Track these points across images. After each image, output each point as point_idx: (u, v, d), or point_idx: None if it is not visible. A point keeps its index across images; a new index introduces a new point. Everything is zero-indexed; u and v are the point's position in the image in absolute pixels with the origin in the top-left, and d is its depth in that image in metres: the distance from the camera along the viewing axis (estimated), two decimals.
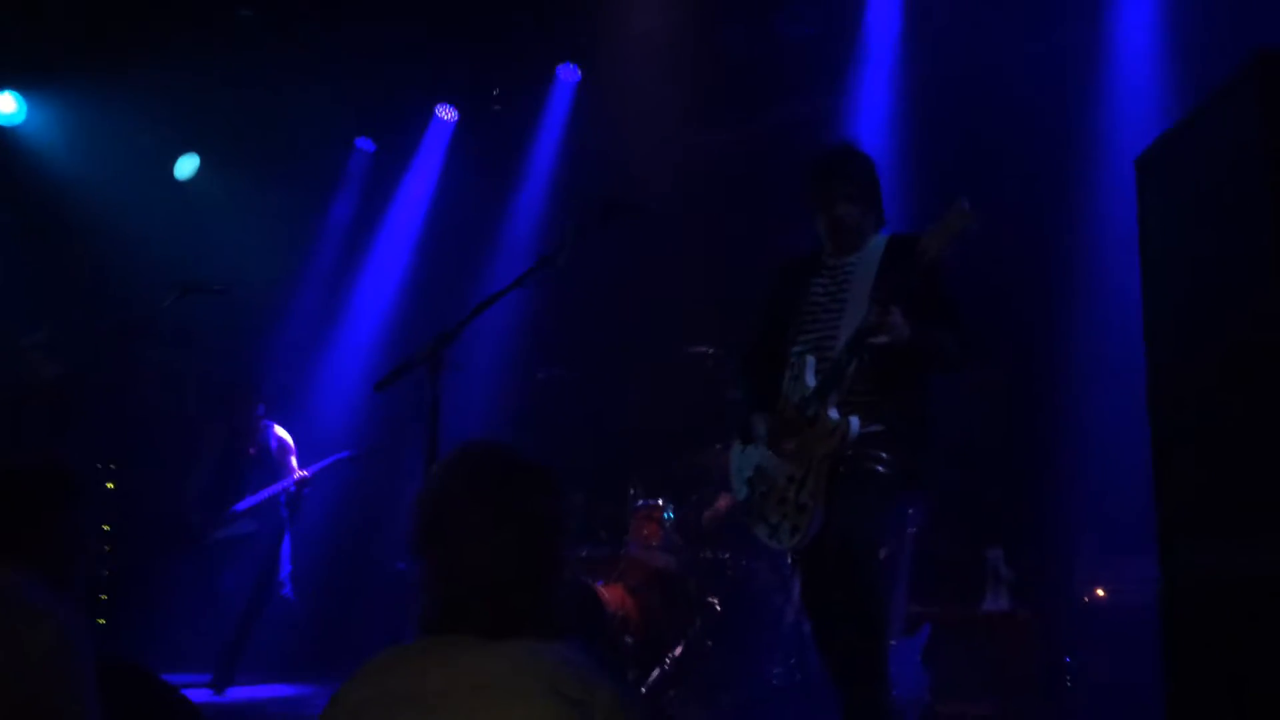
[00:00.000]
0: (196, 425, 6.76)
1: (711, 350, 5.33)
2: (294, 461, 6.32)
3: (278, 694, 5.71)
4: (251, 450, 6.31)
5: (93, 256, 6.90)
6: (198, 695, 5.19)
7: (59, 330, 5.76)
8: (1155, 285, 2.20)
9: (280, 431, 6.39)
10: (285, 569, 6.26)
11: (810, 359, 3.39)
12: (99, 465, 6.54)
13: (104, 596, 5.60)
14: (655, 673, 4.83)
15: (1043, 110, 5.46)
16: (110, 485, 6.45)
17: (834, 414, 3.26)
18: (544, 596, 1.66)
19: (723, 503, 5.36)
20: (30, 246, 6.84)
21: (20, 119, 6.78)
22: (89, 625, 2.49)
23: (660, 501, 5.41)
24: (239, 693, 5.71)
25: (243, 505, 6.21)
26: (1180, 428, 2.09)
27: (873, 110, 6.02)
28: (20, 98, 6.74)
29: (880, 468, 3.26)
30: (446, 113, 7.25)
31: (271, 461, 6.31)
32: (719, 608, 5.13)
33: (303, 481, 6.22)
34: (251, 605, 6.00)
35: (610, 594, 5.02)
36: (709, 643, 4.98)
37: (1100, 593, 4.87)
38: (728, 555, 5.27)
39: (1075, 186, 5.34)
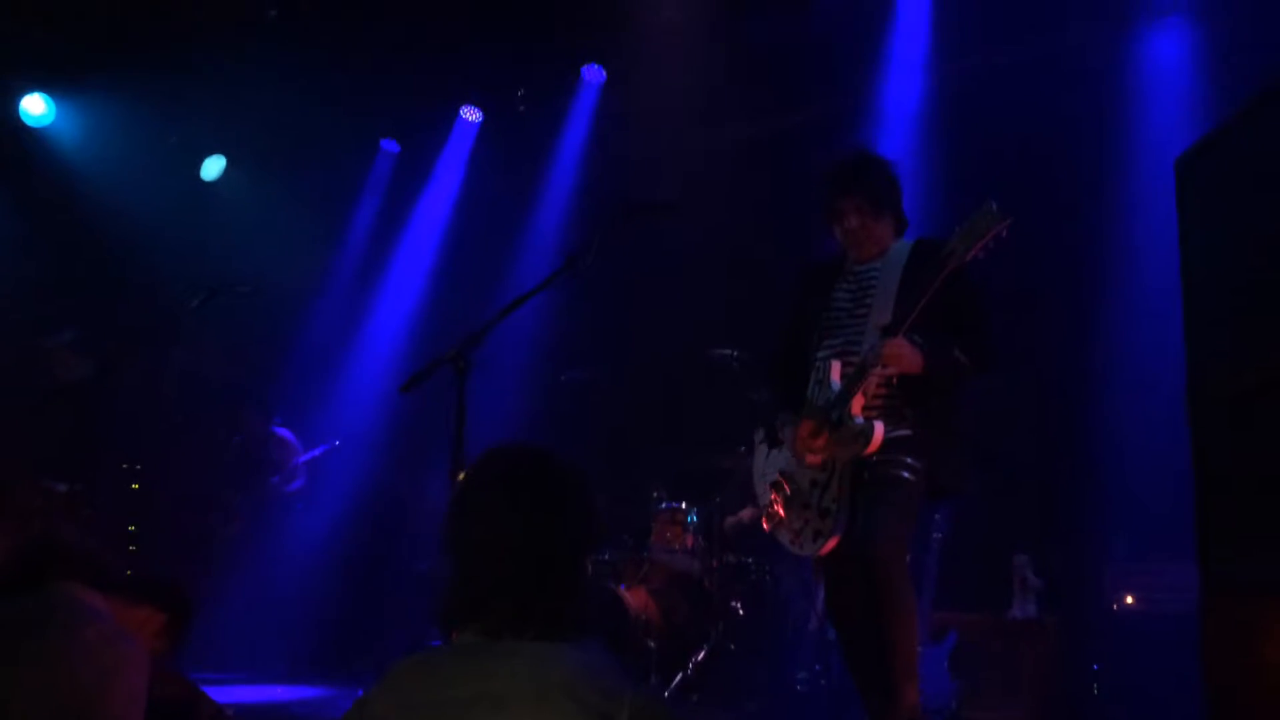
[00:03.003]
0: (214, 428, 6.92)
1: (736, 353, 5.30)
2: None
3: (302, 695, 5.71)
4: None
5: (120, 257, 6.96)
6: (222, 694, 5.19)
7: (85, 331, 5.79)
8: (1196, 288, 2.15)
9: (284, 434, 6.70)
10: None
11: (835, 363, 3.35)
12: (124, 465, 6.59)
13: None
14: (678, 677, 4.80)
15: (1075, 112, 5.40)
16: (135, 486, 6.50)
17: (859, 419, 3.22)
18: (566, 595, 1.64)
19: (746, 513, 5.33)
20: (58, 247, 6.91)
21: (49, 120, 6.85)
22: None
23: (683, 505, 5.38)
24: (263, 693, 5.71)
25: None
26: (1221, 433, 2.04)
27: (901, 108, 5.96)
28: (49, 99, 6.81)
29: (905, 473, 3.21)
30: (471, 114, 7.25)
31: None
32: (742, 612, 5.10)
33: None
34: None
35: (633, 597, 5.00)
36: (732, 647, 4.95)
37: (1130, 600, 4.80)
38: (751, 559, 5.23)
39: (1109, 188, 5.28)
